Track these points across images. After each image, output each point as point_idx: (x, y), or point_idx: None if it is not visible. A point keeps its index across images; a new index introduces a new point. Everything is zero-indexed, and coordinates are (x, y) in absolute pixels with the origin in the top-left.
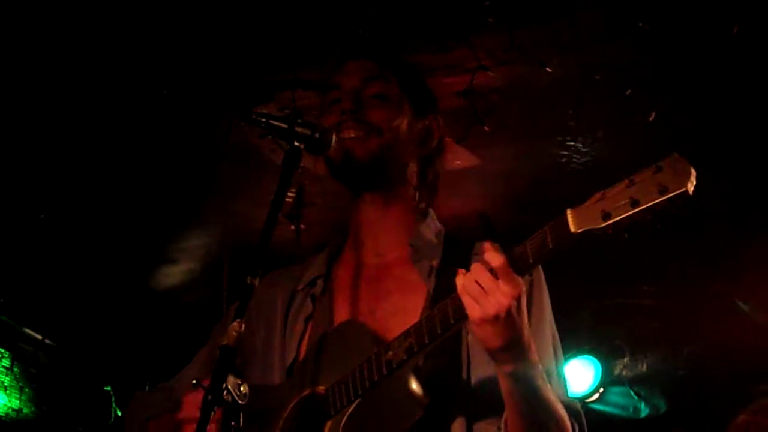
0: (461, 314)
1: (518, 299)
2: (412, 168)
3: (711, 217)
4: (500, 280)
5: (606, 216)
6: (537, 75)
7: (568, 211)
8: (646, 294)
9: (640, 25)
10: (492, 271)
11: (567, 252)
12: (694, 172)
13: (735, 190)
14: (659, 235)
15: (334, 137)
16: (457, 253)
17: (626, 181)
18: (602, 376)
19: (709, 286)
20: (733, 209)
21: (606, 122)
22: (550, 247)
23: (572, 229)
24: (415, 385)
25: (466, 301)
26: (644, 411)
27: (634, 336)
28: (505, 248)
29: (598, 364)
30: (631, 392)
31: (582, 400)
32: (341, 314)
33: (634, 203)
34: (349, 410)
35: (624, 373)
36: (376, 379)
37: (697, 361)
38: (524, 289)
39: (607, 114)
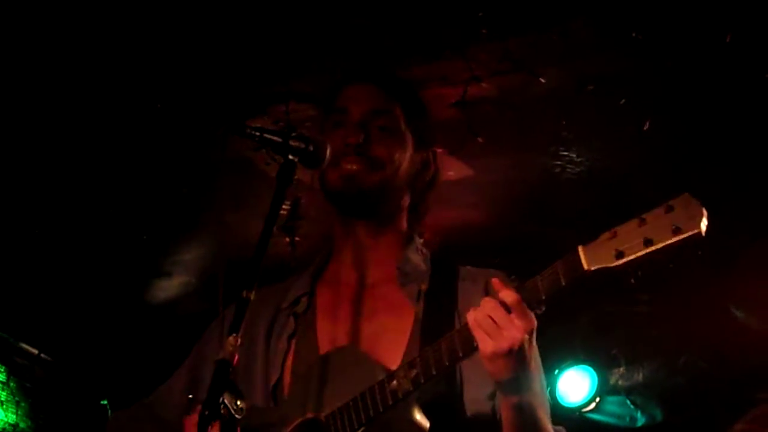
0: (470, 347)
1: (530, 333)
2: (406, 199)
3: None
4: (513, 315)
5: (619, 255)
6: (530, 85)
7: (580, 249)
8: (641, 303)
9: (633, 35)
10: (504, 305)
11: (578, 287)
12: (705, 213)
13: (729, 198)
14: None
15: (328, 151)
16: (443, 277)
17: (638, 219)
18: (598, 386)
19: (705, 294)
20: (727, 216)
21: (600, 132)
22: (563, 284)
23: (585, 266)
24: (418, 415)
25: (479, 335)
26: (641, 420)
27: (629, 345)
28: (513, 282)
29: (594, 373)
30: (628, 401)
31: (578, 409)
32: (324, 333)
33: (648, 242)
34: None
35: (620, 382)
36: (380, 409)
37: (693, 369)
38: (536, 324)
39: (601, 124)
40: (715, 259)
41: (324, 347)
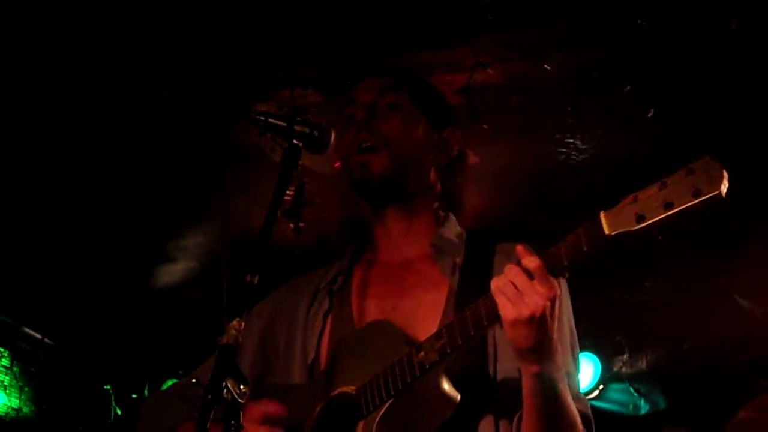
0: (495, 315)
1: (553, 301)
2: (433, 178)
3: (710, 212)
4: (536, 282)
5: (640, 218)
6: (535, 72)
7: (601, 214)
8: (645, 290)
9: (639, 22)
10: (527, 272)
11: (601, 254)
12: (726, 175)
13: (734, 186)
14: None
15: (333, 136)
16: (479, 251)
17: (658, 183)
18: (602, 373)
19: (709, 282)
20: (731, 204)
21: (604, 119)
22: (585, 249)
23: (606, 231)
24: (446, 385)
25: (501, 301)
26: (644, 408)
27: (633, 333)
28: (536, 250)
29: (598, 361)
30: (631, 389)
31: None
32: (360, 310)
33: (668, 205)
34: (382, 410)
35: (623, 369)
36: (408, 380)
37: (696, 357)
38: (559, 292)
39: (606, 111)
40: (719, 247)
41: (359, 324)
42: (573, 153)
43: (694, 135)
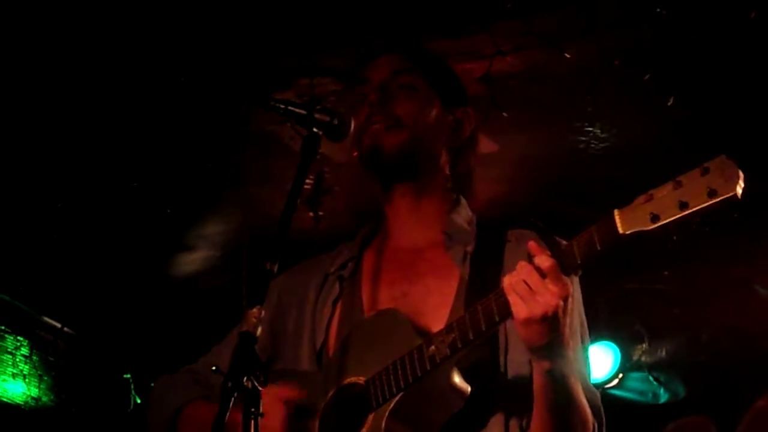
0: (506, 312)
1: (565, 300)
2: (444, 159)
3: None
4: (548, 281)
5: (655, 218)
6: (555, 61)
7: (616, 212)
8: (664, 279)
9: (658, 9)
10: (540, 270)
11: (614, 253)
12: (742, 175)
13: (753, 174)
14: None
15: (352, 124)
16: (490, 239)
17: (673, 182)
18: (621, 362)
19: (728, 271)
20: (752, 194)
21: (624, 108)
22: (599, 248)
23: (620, 230)
24: (457, 378)
25: (513, 299)
26: (663, 397)
27: (652, 321)
28: (550, 244)
29: (617, 349)
30: (650, 378)
31: (601, 386)
32: (369, 297)
33: (683, 206)
34: (392, 404)
35: (643, 358)
36: (419, 374)
37: (716, 346)
38: (571, 290)
39: (625, 99)
40: (738, 236)
41: (369, 311)
42: (593, 141)
43: (714, 123)
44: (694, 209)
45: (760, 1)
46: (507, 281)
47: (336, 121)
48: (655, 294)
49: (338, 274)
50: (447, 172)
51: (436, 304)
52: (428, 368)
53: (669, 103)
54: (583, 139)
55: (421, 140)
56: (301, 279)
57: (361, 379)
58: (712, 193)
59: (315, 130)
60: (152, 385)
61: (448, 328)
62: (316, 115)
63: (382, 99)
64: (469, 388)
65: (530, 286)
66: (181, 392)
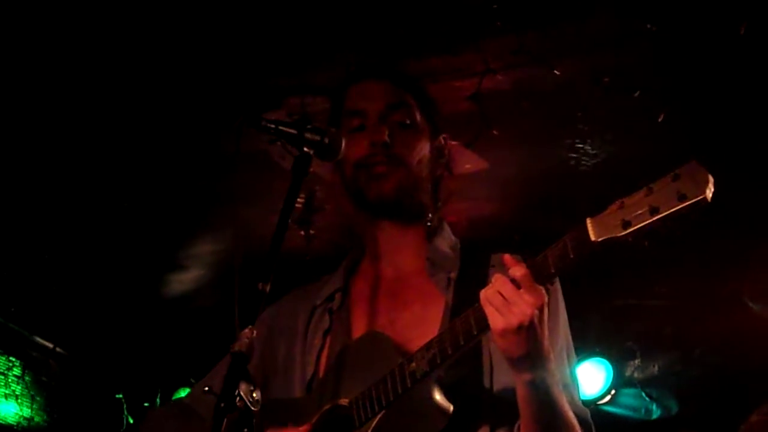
0: (484, 325)
1: (541, 309)
2: (427, 188)
3: (720, 216)
4: (523, 291)
5: (626, 224)
6: (545, 78)
7: (588, 220)
8: (656, 295)
9: (648, 26)
10: (514, 281)
11: (588, 262)
12: (712, 179)
13: (744, 190)
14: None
15: (343, 144)
16: (474, 264)
17: (645, 189)
18: (614, 378)
19: (720, 287)
20: (742, 209)
21: (615, 124)
22: (571, 256)
23: (592, 237)
24: (438, 396)
25: (489, 311)
26: (656, 412)
27: (645, 337)
28: (525, 258)
29: (610, 366)
30: (643, 394)
31: (594, 402)
32: (359, 327)
33: (654, 211)
34: (374, 422)
35: (635, 374)
36: (399, 391)
37: (708, 361)
38: (546, 299)
39: (616, 116)
40: (729, 251)
41: None
42: (584, 158)
43: (705, 139)
44: (665, 213)
45: (749, 17)
46: (483, 294)
47: (327, 141)
48: (647, 310)
49: (327, 307)
50: (429, 201)
51: (423, 332)
52: (409, 385)
53: (660, 120)
54: (574, 155)
55: (419, 177)
56: (288, 311)
57: (345, 401)
58: (681, 197)
59: (306, 149)
60: (140, 424)
61: (428, 345)
62: (307, 135)
63: (386, 137)
64: (452, 407)
65: (505, 297)
66: (170, 428)
